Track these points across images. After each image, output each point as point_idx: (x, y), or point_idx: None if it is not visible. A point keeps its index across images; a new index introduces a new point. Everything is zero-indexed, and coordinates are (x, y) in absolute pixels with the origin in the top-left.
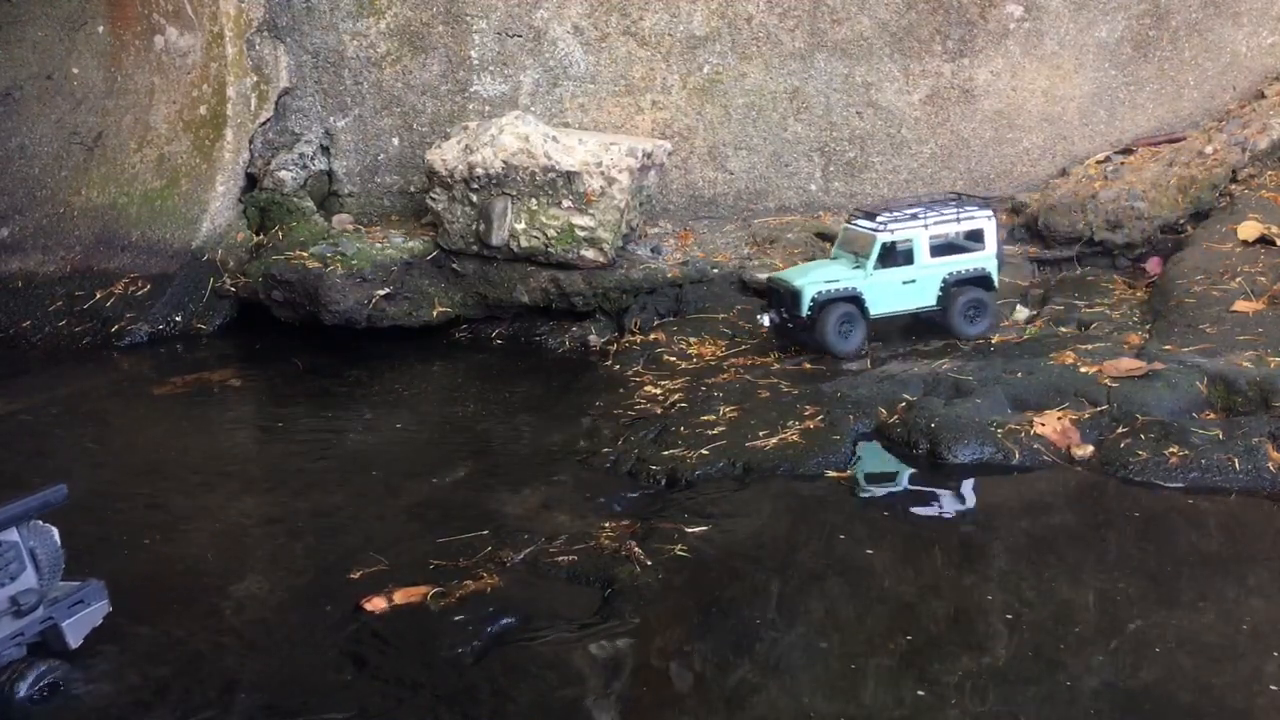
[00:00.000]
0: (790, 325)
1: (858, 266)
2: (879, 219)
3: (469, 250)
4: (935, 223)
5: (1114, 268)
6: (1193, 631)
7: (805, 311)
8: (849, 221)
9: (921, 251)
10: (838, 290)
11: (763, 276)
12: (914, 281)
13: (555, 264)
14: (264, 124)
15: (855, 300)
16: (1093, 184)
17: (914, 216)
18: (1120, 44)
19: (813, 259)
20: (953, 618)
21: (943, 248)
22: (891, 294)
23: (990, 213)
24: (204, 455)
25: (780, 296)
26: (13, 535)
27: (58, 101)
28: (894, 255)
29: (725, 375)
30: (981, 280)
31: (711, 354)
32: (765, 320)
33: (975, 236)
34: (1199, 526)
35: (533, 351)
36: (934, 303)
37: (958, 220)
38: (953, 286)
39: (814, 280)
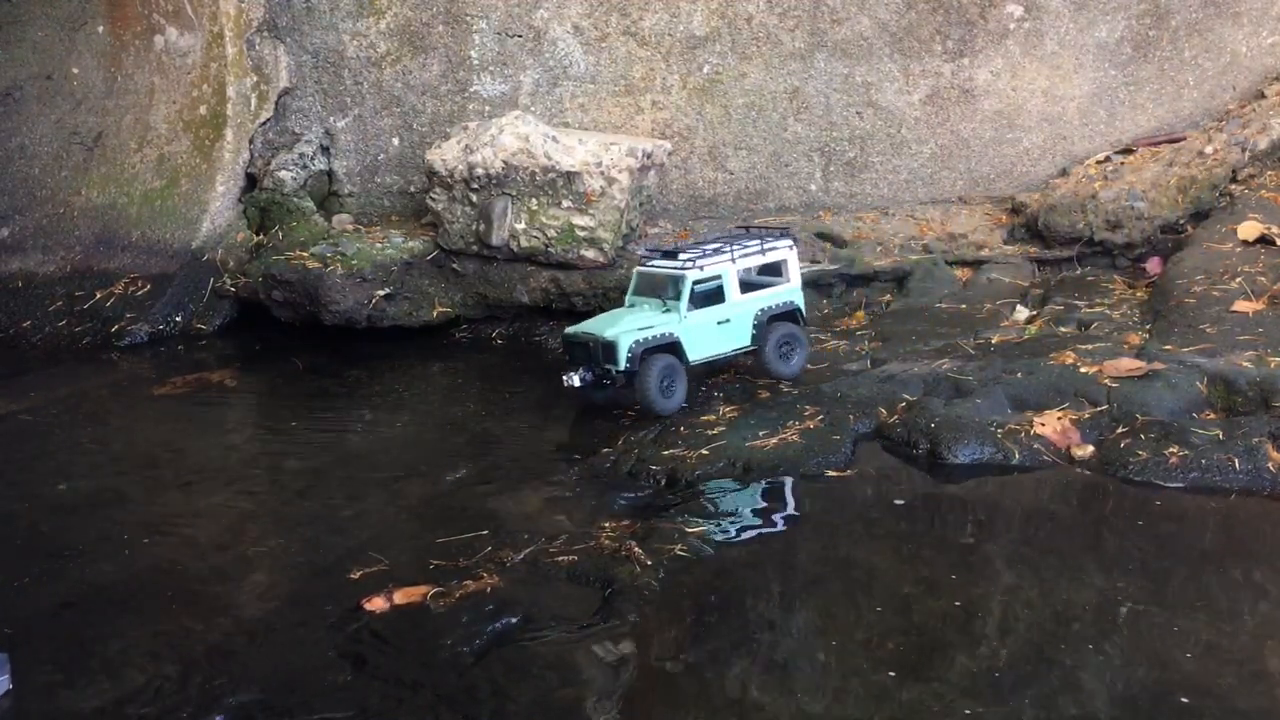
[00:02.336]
0: (607, 383)
1: (666, 311)
2: (682, 257)
3: (469, 250)
4: (742, 256)
5: (1114, 268)
6: (1193, 631)
7: (624, 364)
8: (643, 264)
9: (731, 288)
10: (655, 337)
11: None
12: (728, 321)
13: (555, 264)
14: (264, 124)
15: (673, 348)
16: (1093, 184)
17: (719, 251)
18: (1120, 44)
19: (619, 308)
20: (952, 618)
21: (748, 283)
22: (708, 337)
23: (791, 243)
24: (204, 455)
25: (587, 352)
26: None
27: (58, 101)
28: (703, 294)
29: (725, 375)
30: (791, 315)
31: None
32: (575, 380)
33: (776, 270)
34: (1199, 526)
35: (533, 351)
36: (749, 342)
37: (762, 253)
38: (765, 323)
39: (627, 329)
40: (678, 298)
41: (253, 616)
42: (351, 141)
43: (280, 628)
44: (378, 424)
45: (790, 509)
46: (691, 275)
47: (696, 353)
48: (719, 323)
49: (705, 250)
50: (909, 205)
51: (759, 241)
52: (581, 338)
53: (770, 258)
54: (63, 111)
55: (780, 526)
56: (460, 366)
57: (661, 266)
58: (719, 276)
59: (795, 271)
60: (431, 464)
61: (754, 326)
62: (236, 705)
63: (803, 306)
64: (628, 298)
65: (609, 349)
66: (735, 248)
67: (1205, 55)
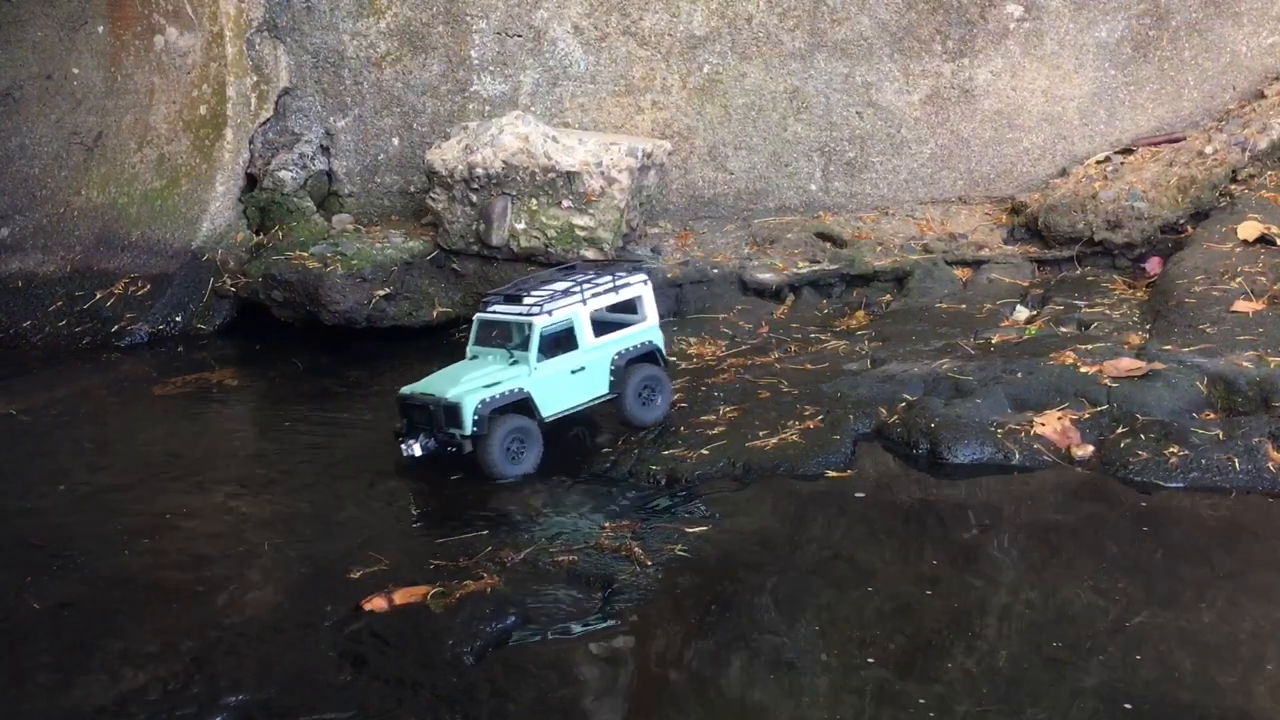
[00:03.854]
0: (452, 450)
1: (514, 362)
2: (528, 301)
3: (469, 250)
4: (594, 295)
5: (1114, 268)
6: (1193, 631)
7: (470, 428)
8: (484, 310)
9: (584, 332)
10: (504, 395)
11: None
12: (583, 369)
13: (555, 264)
14: (264, 124)
15: (524, 405)
16: (1093, 184)
17: (567, 293)
18: (1120, 44)
19: (460, 361)
20: (953, 618)
21: (601, 324)
22: (562, 389)
23: (645, 277)
24: (204, 455)
25: (427, 415)
26: None
27: (58, 101)
28: (553, 340)
29: (725, 375)
30: (651, 356)
31: (711, 354)
32: (415, 450)
33: (631, 307)
34: (1199, 526)
35: None
36: (607, 390)
37: (615, 290)
38: (623, 368)
39: (471, 388)
40: (525, 347)
41: (253, 616)
42: (351, 141)
43: (280, 628)
44: (378, 424)
45: (790, 509)
46: (540, 323)
47: (550, 408)
48: (573, 372)
49: (554, 292)
50: (909, 205)
51: (611, 278)
52: (419, 400)
53: (624, 295)
54: (63, 111)
55: (780, 527)
56: None
57: (505, 313)
58: (569, 321)
59: (652, 308)
60: (431, 464)
61: (611, 372)
62: (236, 705)
63: (663, 345)
64: (469, 348)
65: (452, 412)
66: (586, 287)
67: (1205, 55)
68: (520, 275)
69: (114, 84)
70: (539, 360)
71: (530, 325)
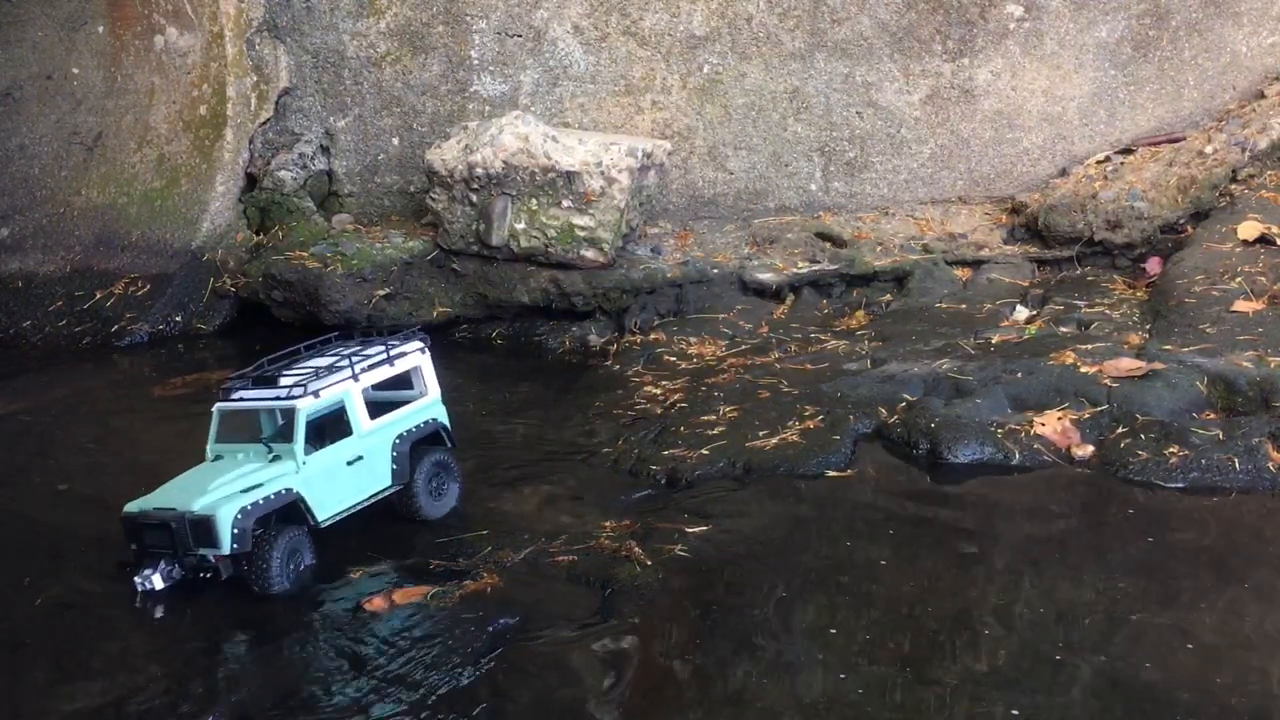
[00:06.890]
0: (205, 575)
1: (274, 458)
2: (285, 382)
3: (469, 250)
4: (365, 370)
5: (1114, 268)
6: (1193, 631)
7: (230, 547)
8: (225, 398)
9: (358, 414)
10: (269, 500)
11: (155, 507)
12: (361, 458)
13: (555, 264)
14: (264, 124)
15: (293, 509)
16: (1093, 184)
17: (333, 368)
18: (1120, 44)
19: (216, 459)
20: (953, 618)
21: (374, 404)
22: (338, 484)
23: (422, 345)
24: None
25: (168, 536)
26: None
27: (58, 101)
28: (319, 426)
29: (725, 375)
30: (436, 436)
31: (711, 354)
32: (155, 582)
33: (407, 381)
34: (1199, 526)
35: (533, 351)
36: (391, 480)
37: (390, 362)
38: (407, 453)
39: (225, 495)
40: (287, 438)
41: (252, 616)
42: (351, 141)
43: (280, 628)
44: None
45: (790, 509)
46: (304, 406)
47: (327, 509)
48: (349, 462)
49: (315, 369)
50: (909, 205)
51: (383, 348)
52: (155, 517)
53: (401, 366)
54: (63, 111)
55: (780, 527)
56: (460, 366)
57: (257, 399)
58: (340, 402)
59: (433, 380)
60: None
61: (394, 460)
62: (236, 705)
63: (448, 423)
64: (209, 448)
65: (202, 528)
66: (355, 360)
67: (1205, 55)
68: (520, 275)
69: (114, 84)
70: (306, 452)
71: (293, 410)
